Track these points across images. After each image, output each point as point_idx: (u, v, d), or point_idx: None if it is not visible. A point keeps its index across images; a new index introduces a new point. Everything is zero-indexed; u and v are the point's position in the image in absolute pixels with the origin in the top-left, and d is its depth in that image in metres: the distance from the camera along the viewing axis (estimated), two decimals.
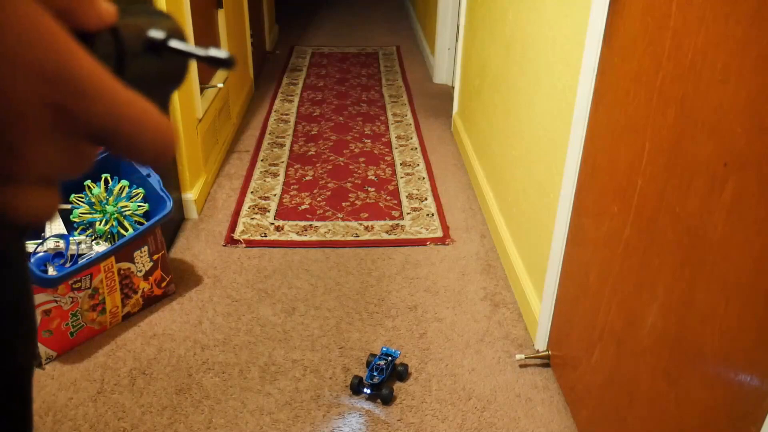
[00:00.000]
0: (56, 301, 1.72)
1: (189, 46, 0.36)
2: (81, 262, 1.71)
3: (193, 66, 2.49)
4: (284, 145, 3.19)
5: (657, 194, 1.16)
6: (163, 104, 0.38)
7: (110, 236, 1.86)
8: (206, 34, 2.81)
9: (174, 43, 0.36)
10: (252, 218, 2.50)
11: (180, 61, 0.38)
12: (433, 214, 2.56)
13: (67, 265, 1.72)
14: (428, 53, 4.45)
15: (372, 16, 5.87)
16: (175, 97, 2.28)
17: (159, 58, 0.36)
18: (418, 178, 2.87)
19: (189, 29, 2.42)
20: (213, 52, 0.37)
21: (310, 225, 2.47)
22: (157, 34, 0.35)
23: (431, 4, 4.30)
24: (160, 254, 1.97)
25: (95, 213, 1.85)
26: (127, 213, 1.88)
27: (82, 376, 1.72)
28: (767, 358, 0.88)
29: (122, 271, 1.86)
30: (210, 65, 0.38)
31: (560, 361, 1.72)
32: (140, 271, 1.92)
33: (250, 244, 2.33)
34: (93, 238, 1.85)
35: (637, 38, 1.24)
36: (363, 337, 1.89)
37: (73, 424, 1.58)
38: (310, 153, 3.10)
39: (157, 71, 0.37)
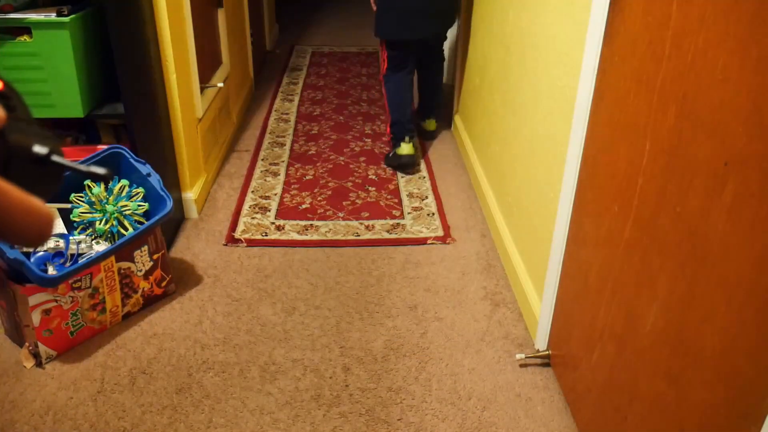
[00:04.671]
0: (56, 301, 1.72)
1: (68, 162, 0.46)
2: (81, 261, 1.71)
3: (194, 65, 2.49)
4: (285, 145, 3.19)
5: (657, 194, 1.16)
6: (45, 197, 0.46)
7: (110, 236, 1.86)
8: (206, 34, 2.81)
9: (56, 158, 0.44)
10: (253, 218, 2.50)
11: (58, 169, 0.47)
12: (433, 214, 2.56)
13: (67, 264, 1.72)
14: None
15: (372, 15, 5.86)
16: (175, 97, 2.28)
17: (41, 167, 0.44)
18: (419, 178, 2.87)
19: (189, 29, 2.42)
20: (93, 168, 0.47)
21: (311, 224, 2.47)
22: (40, 149, 0.43)
23: None
24: (160, 254, 1.97)
25: (95, 212, 1.85)
26: (127, 212, 1.88)
27: (82, 376, 1.72)
28: (767, 358, 0.88)
29: (122, 271, 1.86)
30: (90, 179, 0.50)
31: (560, 360, 1.72)
32: (140, 270, 1.92)
33: (251, 243, 2.33)
34: (93, 237, 1.85)
35: (638, 38, 1.24)
36: (363, 336, 1.89)
37: (74, 424, 1.58)
38: (310, 152, 3.10)
39: (39, 175, 0.45)
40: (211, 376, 1.73)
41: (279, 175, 2.87)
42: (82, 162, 1.90)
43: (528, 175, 1.99)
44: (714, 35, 0.99)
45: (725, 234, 0.96)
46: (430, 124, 3.17)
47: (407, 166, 2.86)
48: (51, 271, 1.70)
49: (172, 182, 2.34)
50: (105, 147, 1.96)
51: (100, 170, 0.46)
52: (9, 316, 1.79)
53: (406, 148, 2.82)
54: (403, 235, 2.41)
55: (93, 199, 1.85)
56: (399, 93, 2.83)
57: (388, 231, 2.44)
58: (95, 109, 2.00)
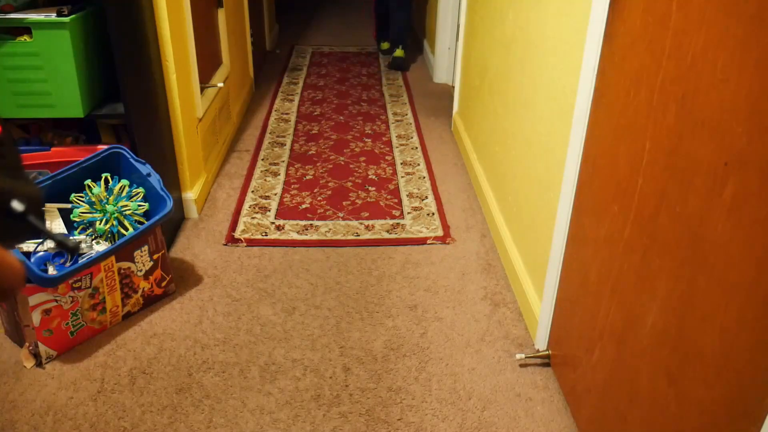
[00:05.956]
0: (56, 301, 1.72)
1: (41, 225, 0.45)
2: (81, 261, 1.71)
3: (194, 65, 2.49)
4: (285, 145, 3.19)
5: (657, 194, 1.16)
6: (8, 248, 0.45)
7: (110, 235, 1.86)
8: (206, 34, 2.81)
9: (31, 219, 0.43)
10: (252, 217, 2.50)
11: (30, 227, 0.46)
12: (433, 213, 2.56)
13: (68, 264, 1.72)
14: (428, 52, 4.44)
15: (372, 15, 5.87)
16: (175, 97, 2.28)
17: (14, 221, 0.43)
18: (419, 178, 2.87)
19: (189, 29, 2.42)
20: (61, 237, 0.46)
21: (311, 224, 2.47)
22: (18, 206, 0.42)
23: (431, 4, 4.30)
24: (160, 253, 1.97)
25: (95, 212, 1.85)
26: (128, 212, 1.88)
27: (83, 376, 1.72)
28: (767, 358, 0.88)
29: (122, 271, 1.86)
30: (57, 246, 0.50)
31: (560, 360, 1.72)
32: (140, 270, 1.92)
33: (251, 243, 2.33)
34: (93, 237, 1.85)
35: (638, 38, 1.24)
36: (363, 336, 1.89)
37: (74, 424, 1.58)
38: (310, 152, 3.10)
39: (10, 228, 0.44)
40: (211, 376, 1.73)
41: (279, 175, 2.87)
42: (81, 163, 1.90)
43: (528, 175, 1.99)
44: (714, 35, 0.99)
45: (725, 234, 0.96)
46: (399, 52, 4.34)
47: (400, 65, 4.33)
48: (51, 271, 1.70)
49: (172, 182, 2.34)
50: (105, 147, 1.96)
51: (69, 242, 0.47)
52: (9, 316, 1.79)
53: (398, 52, 4.33)
54: (403, 235, 2.41)
55: (93, 199, 1.85)
56: (399, 21, 4.30)
57: (388, 231, 2.44)
58: (95, 109, 2.00)
